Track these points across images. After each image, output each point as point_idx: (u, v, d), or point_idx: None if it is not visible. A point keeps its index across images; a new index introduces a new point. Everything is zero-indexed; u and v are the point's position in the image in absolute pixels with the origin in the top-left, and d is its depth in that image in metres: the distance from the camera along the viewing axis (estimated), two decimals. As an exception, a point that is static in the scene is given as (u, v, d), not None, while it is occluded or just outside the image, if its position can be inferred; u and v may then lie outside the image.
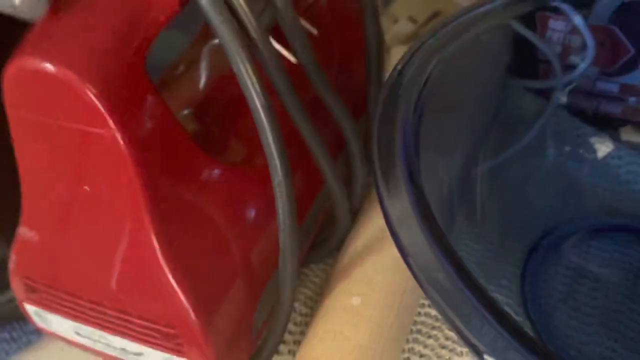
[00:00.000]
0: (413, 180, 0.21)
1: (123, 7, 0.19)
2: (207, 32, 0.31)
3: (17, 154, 0.21)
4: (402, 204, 0.21)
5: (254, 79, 0.20)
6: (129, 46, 0.19)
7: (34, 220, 0.22)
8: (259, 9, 0.24)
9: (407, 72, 0.25)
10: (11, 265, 0.24)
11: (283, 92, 0.23)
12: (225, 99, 0.29)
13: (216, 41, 0.30)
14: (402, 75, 0.24)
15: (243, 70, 0.20)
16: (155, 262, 0.21)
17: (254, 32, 0.21)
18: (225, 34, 0.20)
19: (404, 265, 0.21)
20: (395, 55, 0.38)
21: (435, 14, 0.44)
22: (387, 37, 0.41)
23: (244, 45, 0.20)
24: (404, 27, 0.42)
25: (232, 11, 0.20)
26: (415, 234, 0.20)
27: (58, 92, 0.19)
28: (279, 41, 0.26)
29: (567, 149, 0.33)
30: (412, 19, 0.43)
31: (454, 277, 0.19)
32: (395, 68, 0.25)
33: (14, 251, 0.24)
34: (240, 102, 0.28)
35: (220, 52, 0.30)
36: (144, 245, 0.20)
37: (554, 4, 0.30)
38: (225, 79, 0.29)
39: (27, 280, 0.24)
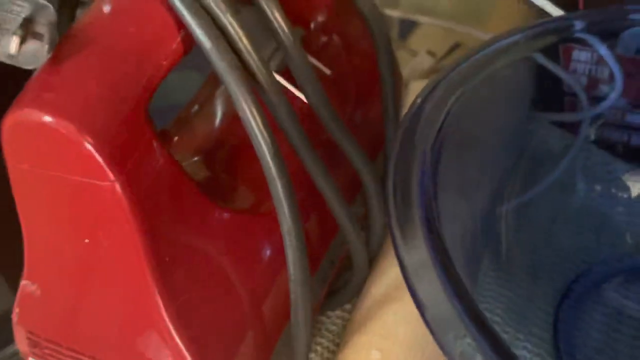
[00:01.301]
0: (431, 228, 0.20)
1: (124, 54, 0.19)
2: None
3: (18, 206, 0.20)
4: (419, 254, 0.19)
5: (261, 126, 0.19)
6: (129, 95, 0.18)
7: (36, 273, 0.22)
8: (269, 52, 0.23)
9: (426, 108, 0.23)
10: (14, 318, 0.23)
11: (292, 136, 0.22)
12: (234, 143, 0.28)
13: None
14: (421, 111, 0.23)
15: (250, 117, 0.19)
16: (159, 319, 0.20)
17: (261, 75, 0.20)
18: (230, 80, 0.19)
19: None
20: (414, 90, 0.37)
21: (455, 47, 0.43)
22: (406, 72, 0.40)
23: (250, 91, 0.19)
24: (423, 61, 0.41)
25: (238, 55, 0.19)
26: (433, 287, 0.19)
27: (56, 144, 0.18)
28: (291, 81, 0.25)
29: (598, 185, 0.31)
30: (431, 53, 0.42)
31: (476, 336, 0.18)
32: (414, 103, 0.24)
33: (17, 304, 0.23)
34: (249, 146, 0.27)
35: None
36: (146, 300, 0.19)
37: (579, 35, 0.29)
38: (235, 122, 0.28)
39: (30, 334, 0.23)
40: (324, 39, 0.29)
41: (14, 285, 0.27)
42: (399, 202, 0.20)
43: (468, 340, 0.17)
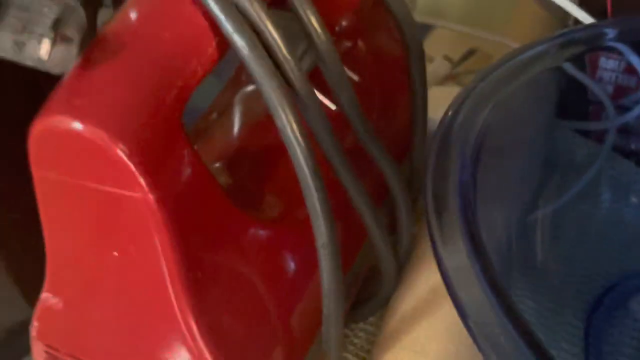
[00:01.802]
0: (473, 237, 0.19)
1: (158, 60, 0.18)
2: (240, 76, 0.30)
3: (42, 216, 0.19)
4: (461, 260, 0.19)
5: (300, 137, 0.18)
6: (164, 101, 0.17)
7: (59, 286, 0.21)
8: (300, 54, 0.22)
9: (459, 119, 0.23)
10: (33, 332, 0.22)
11: (326, 143, 0.21)
12: (257, 149, 0.27)
13: (249, 88, 0.29)
14: (454, 122, 0.23)
15: (288, 127, 0.18)
16: (190, 336, 0.19)
17: (297, 82, 0.19)
18: (267, 87, 0.18)
19: (461, 332, 0.19)
20: (433, 96, 0.37)
21: (471, 52, 0.42)
22: (423, 77, 0.39)
23: (289, 100, 0.18)
24: (440, 66, 0.40)
25: (275, 61, 0.19)
26: (476, 294, 0.18)
27: (87, 152, 0.17)
28: (315, 86, 0.25)
29: (624, 194, 0.31)
30: (447, 58, 0.41)
31: (520, 344, 0.17)
32: (446, 115, 0.23)
33: (36, 317, 0.22)
34: (274, 152, 0.26)
35: (253, 100, 0.29)
36: (176, 316, 0.19)
37: (611, 44, 0.28)
38: (258, 128, 0.28)
39: (49, 348, 0.22)
40: (348, 44, 0.28)
41: (27, 297, 0.27)
42: (440, 210, 0.20)
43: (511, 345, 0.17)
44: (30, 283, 0.24)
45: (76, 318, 0.21)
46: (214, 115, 0.29)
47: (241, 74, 0.29)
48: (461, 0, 0.44)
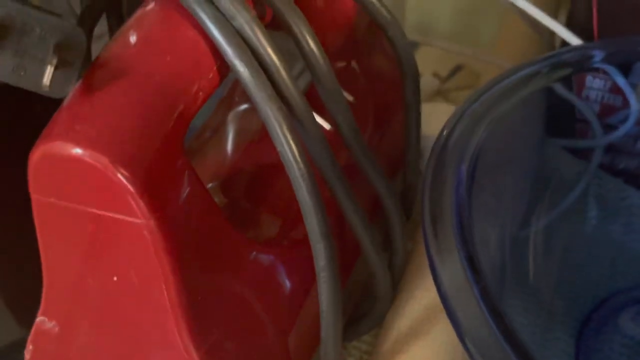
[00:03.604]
0: (472, 259, 0.20)
1: (160, 84, 0.18)
2: (233, 95, 0.30)
3: (40, 240, 0.19)
4: (459, 281, 0.19)
5: (300, 161, 0.18)
6: (165, 126, 0.17)
7: (55, 311, 0.20)
8: (296, 74, 0.22)
9: (453, 138, 0.23)
10: (27, 355, 0.22)
11: (324, 162, 0.21)
12: (252, 168, 0.27)
13: (242, 107, 0.29)
14: (449, 141, 0.23)
15: (288, 151, 0.18)
16: (190, 361, 0.19)
17: (294, 101, 0.19)
18: (268, 111, 0.18)
19: (456, 351, 0.20)
20: (423, 113, 0.37)
21: (459, 69, 0.43)
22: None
23: (289, 123, 0.18)
24: (429, 83, 0.41)
25: (274, 84, 0.19)
26: (473, 312, 0.19)
27: (88, 178, 0.17)
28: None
29: (612, 212, 0.31)
30: (436, 75, 0.42)
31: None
32: (441, 134, 0.24)
33: (31, 340, 0.22)
34: (269, 171, 0.26)
35: (247, 118, 0.29)
36: (176, 342, 0.19)
37: (599, 65, 0.29)
38: (252, 147, 0.28)
39: (44, 373, 0.22)
40: (342, 63, 0.29)
41: (18, 318, 0.26)
42: (437, 230, 0.21)
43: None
44: (20, 303, 0.24)
45: (72, 343, 0.21)
46: (207, 134, 0.29)
47: (234, 93, 0.30)
48: (449, 18, 0.45)
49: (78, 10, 0.22)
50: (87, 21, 0.23)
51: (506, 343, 0.19)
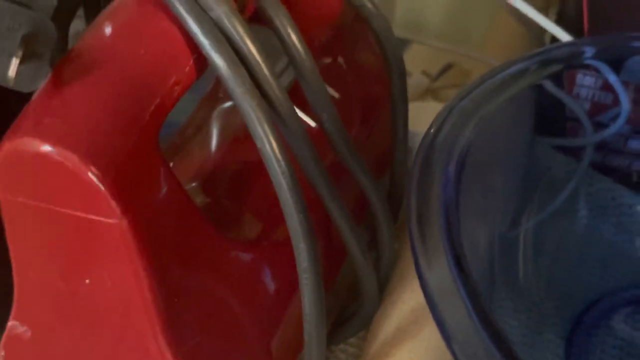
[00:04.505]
0: (459, 260, 0.19)
1: (133, 78, 0.17)
2: (217, 91, 0.29)
3: (10, 242, 0.18)
4: (446, 284, 0.19)
5: (280, 158, 0.18)
6: (139, 122, 0.17)
7: (27, 314, 0.20)
8: (279, 70, 0.22)
9: (441, 136, 0.23)
10: (-1, 361, 0.21)
11: (308, 161, 0.21)
12: (235, 168, 0.26)
13: (227, 104, 0.28)
14: (437, 139, 0.23)
15: (268, 148, 0.18)
16: (166, 367, 0.18)
17: (276, 98, 0.19)
18: (247, 107, 0.18)
19: (444, 354, 0.19)
20: (411, 110, 0.37)
21: (449, 67, 0.42)
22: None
23: (268, 117, 0.18)
24: (418, 81, 0.40)
25: (253, 76, 0.18)
26: (460, 316, 0.18)
27: (58, 176, 0.16)
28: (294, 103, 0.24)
29: (602, 211, 0.31)
30: (425, 73, 0.41)
31: None
32: (428, 132, 0.23)
33: (3, 346, 0.21)
34: (253, 171, 0.25)
35: (231, 117, 0.29)
36: (151, 346, 0.18)
37: (589, 62, 0.29)
38: (236, 146, 0.27)
39: (17, 379, 0.21)
40: (327, 59, 0.28)
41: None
42: (424, 231, 0.20)
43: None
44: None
45: (45, 348, 0.20)
46: (190, 131, 0.28)
47: (218, 89, 0.29)
48: (439, 16, 0.44)
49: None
50: (63, 13, 0.22)
51: (494, 347, 0.18)
